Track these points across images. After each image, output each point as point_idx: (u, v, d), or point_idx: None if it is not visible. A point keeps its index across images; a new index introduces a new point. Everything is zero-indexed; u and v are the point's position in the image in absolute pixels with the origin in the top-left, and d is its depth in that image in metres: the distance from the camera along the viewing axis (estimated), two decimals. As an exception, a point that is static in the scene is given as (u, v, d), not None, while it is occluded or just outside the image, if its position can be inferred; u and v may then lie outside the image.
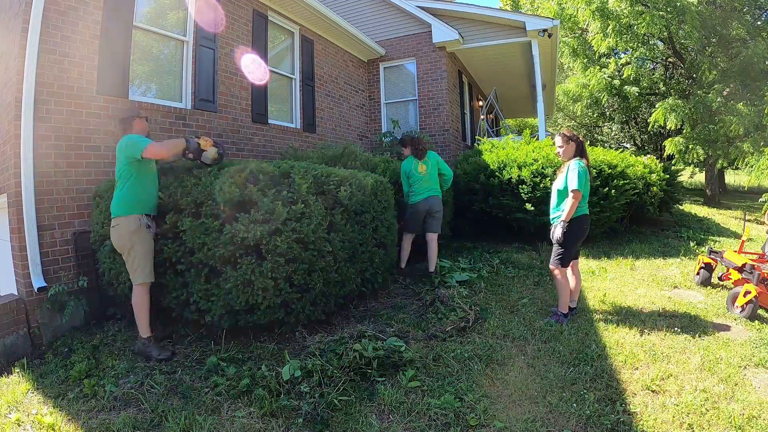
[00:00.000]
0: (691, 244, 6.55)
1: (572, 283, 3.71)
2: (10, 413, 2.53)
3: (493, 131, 13.37)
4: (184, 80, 5.00)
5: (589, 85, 13.59)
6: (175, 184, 3.29)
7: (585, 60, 13.77)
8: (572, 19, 12.77)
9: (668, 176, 8.32)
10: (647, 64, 14.12)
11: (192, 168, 3.47)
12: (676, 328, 3.36)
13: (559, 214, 3.55)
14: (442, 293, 4.10)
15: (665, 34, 11.18)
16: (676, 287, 4.51)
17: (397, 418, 2.35)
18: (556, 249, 3.57)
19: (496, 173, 6.39)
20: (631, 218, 7.54)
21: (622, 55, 13.82)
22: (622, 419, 2.26)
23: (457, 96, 9.79)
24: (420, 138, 5.20)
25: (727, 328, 3.41)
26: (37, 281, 3.47)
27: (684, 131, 11.12)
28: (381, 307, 4.08)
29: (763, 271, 3.71)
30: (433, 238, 4.81)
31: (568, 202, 3.44)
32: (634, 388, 2.57)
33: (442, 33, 8.53)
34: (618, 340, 3.19)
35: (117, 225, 3.12)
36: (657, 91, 13.46)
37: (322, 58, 7.67)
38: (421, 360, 2.93)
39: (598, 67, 13.51)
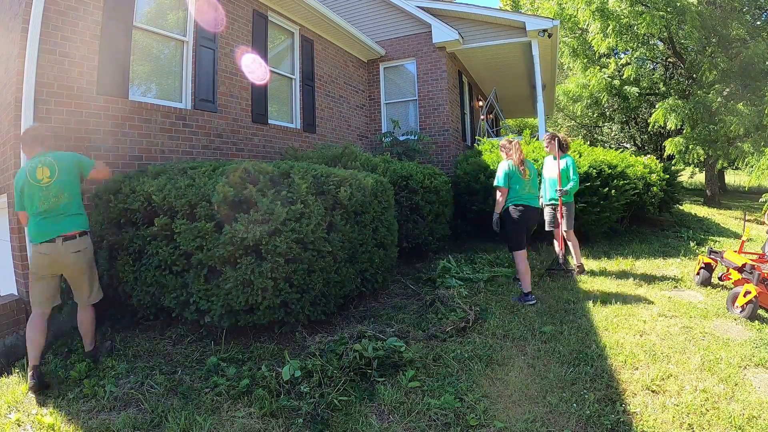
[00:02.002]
0: (691, 244, 6.55)
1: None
2: (10, 413, 2.53)
3: (493, 131, 13.36)
4: (184, 80, 5.00)
5: (589, 86, 13.59)
6: (168, 186, 3.28)
7: (585, 60, 13.77)
8: (572, 19, 12.77)
9: (668, 176, 8.32)
10: (647, 64, 14.12)
11: (186, 169, 3.47)
12: (676, 328, 3.36)
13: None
14: (442, 293, 4.09)
15: (665, 34, 11.19)
16: (676, 287, 4.51)
17: (397, 418, 2.35)
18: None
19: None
20: (631, 218, 7.54)
21: (622, 55, 13.83)
22: (622, 419, 2.26)
23: (457, 96, 9.78)
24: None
25: (727, 328, 3.41)
26: (37, 281, 3.46)
27: (684, 131, 11.12)
28: (381, 307, 4.08)
29: (763, 271, 3.71)
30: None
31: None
32: (634, 388, 2.56)
33: (442, 33, 8.53)
34: (618, 340, 3.18)
35: (87, 247, 3.01)
36: (657, 91, 13.46)
37: (322, 59, 7.67)
38: (421, 360, 2.93)
39: (598, 68, 13.52)
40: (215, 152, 5.25)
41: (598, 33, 11.30)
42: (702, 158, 11.45)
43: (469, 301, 3.99)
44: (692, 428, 2.19)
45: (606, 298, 4.10)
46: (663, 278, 4.77)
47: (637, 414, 2.31)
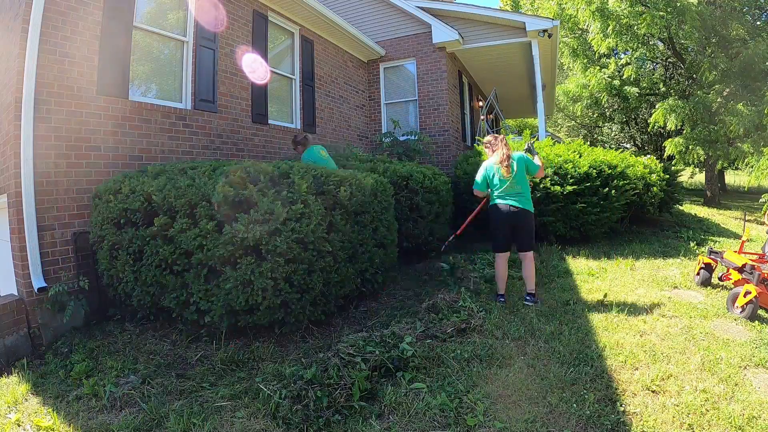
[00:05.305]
0: (691, 244, 6.55)
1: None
2: (9, 413, 2.53)
3: (493, 131, 13.37)
4: (184, 80, 5.00)
5: (589, 86, 13.61)
6: (168, 186, 3.28)
7: (585, 60, 13.79)
8: (572, 19, 12.78)
9: (668, 176, 8.33)
10: (647, 64, 14.13)
11: (186, 169, 3.47)
12: (676, 328, 3.36)
13: None
14: (442, 294, 4.09)
15: (665, 34, 11.19)
16: (676, 287, 4.51)
17: (397, 418, 2.35)
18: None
19: (496, 173, 6.38)
20: (631, 218, 7.54)
21: (622, 56, 13.83)
22: (622, 419, 2.26)
23: (457, 96, 9.79)
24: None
25: (727, 328, 3.41)
26: (37, 281, 3.47)
27: (684, 132, 11.13)
28: (381, 307, 4.08)
29: (763, 271, 3.70)
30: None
31: None
32: (634, 388, 2.56)
33: (442, 33, 8.53)
34: (618, 340, 3.18)
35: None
36: (657, 91, 13.47)
37: (322, 59, 7.67)
38: (421, 360, 2.93)
39: (598, 68, 13.53)
40: (215, 152, 5.25)
41: (598, 33, 11.31)
42: (702, 158, 11.46)
43: (469, 301, 3.99)
44: (692, 428, 2.19)
45: (606, 298, 4.10)
46: (663, 278, 4.77)
47: (637, 414, 2.31)
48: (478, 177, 4.19)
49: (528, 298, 4.01)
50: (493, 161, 4.11)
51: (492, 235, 4.16)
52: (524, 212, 3.99)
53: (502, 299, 4.05)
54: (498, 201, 4.07)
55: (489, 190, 4.18)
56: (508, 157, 4.00)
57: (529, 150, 4.30)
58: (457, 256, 5.71)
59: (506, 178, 3.98)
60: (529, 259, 4.04)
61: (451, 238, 5.01)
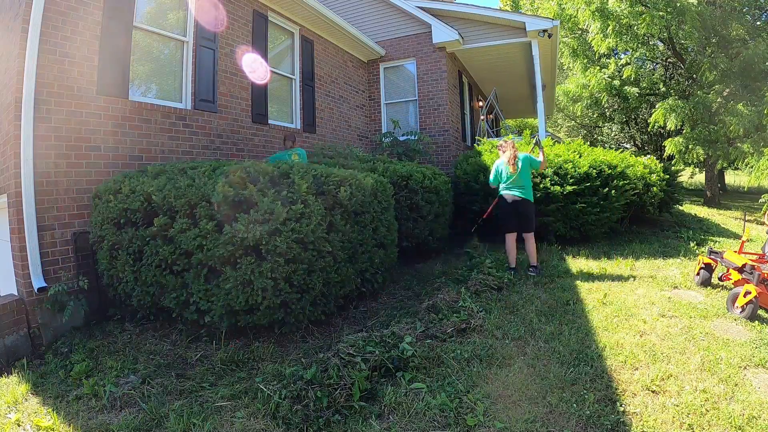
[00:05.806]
0: (691, 244, 6.55)
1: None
2: (9, 413, 2.53)
3: (493, 131, 13.36)
4: (184, 80, 5.00)
5: (589, 86, 13.61)
6: (168, 186, 3.28)
7: (585, 60, 13.78)
8: (572, 19, 12.78)
9: (668, 176, 8.33)
10: (647, 64, 14.14)
11: (186, 169, 3.47)
12: (676, 328, 3.36)
13: None
14: (442, 294, 4.09)
15: (665, 34, 11.19)
16: (676, 287, 4.51)
17: (397, 418, 2.35)
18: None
19: (496, 173, 6.38)
20: (631, 218, 7.54)
21: (622, 56, 13.84)
22: (622, 420, 2.26)
23: (457, 96, 9.79)
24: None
25: (727, 328, 3.41)
26: (37, 281, 3.47)
27: (684, 131, 11.12)
28: (381, 307, 4.08)
29: (763, 271, 3.70)
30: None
31: None
32: (634, 388, 2.56)
33: (442, 33, 8.53)
34: (618, 340, 3.18)
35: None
36: (657, 91, 13.46)
37: (322, 59, 7.67)
38: (421, 360, 2.93)
39: (598, 68, 13.53)
40: (215, 152, 5.25)
41: (598, 33, 11.30)
42: (702, 158, 11.45)
43: (469, 301, 3.98)
44: (692, 428, 2.19)
45: (606, 298, 4.10)
46: (663, 278, 4.77)
47: (637, 414, 2.31)
48: (492, 173, 5.17)
49: (531, 269, 4.95)
50: (502, 160, 5.06)
51: (502, 220, 5.09)
52: (526, 201, 4.93)
53: (512, 270, 4.92)
54: (504, 192, 5.01)
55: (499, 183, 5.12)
56: (515, 157, 4.92)
57: (537, 143, 5.22)
58: (458, 256, 5.71)
59: (512, 174, 4.92)
60: (530, 238, 5.00)
61: (479, 220, 6.06)
